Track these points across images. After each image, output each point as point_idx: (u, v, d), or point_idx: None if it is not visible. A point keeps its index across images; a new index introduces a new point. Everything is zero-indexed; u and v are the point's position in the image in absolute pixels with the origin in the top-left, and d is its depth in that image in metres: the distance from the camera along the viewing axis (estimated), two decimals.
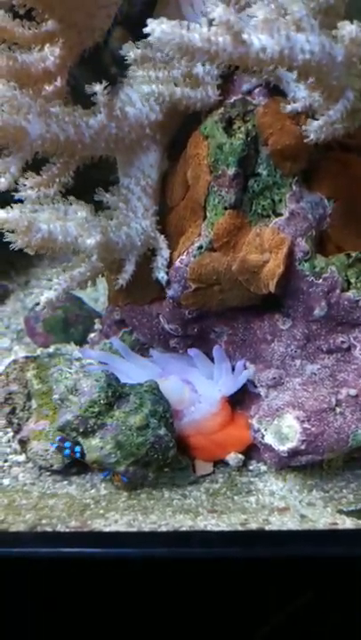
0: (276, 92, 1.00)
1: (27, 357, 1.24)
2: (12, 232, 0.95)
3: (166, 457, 1.05)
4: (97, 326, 1.26)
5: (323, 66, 0.79)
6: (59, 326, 1.37)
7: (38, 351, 1.37)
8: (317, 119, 0.86)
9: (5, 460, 1.16)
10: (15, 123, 0.94)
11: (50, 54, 0.99)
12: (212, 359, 1.14)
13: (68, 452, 1.05)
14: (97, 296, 1.50)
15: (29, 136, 0.95)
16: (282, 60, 0.76)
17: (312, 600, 0.91)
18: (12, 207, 0.95)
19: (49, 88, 1.02)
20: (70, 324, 1.38)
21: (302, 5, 0.76)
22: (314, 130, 0.86)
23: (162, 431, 1.04)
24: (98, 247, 0.93)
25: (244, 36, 0.74)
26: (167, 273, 1.05)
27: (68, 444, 1.04)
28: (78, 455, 1.04)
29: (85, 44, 1.01)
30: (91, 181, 1.06)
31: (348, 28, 0.77)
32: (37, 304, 1.39)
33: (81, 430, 1.03)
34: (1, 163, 0.97)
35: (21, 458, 1.16)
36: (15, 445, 1.17)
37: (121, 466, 1.03)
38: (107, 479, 1.09)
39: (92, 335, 1.27)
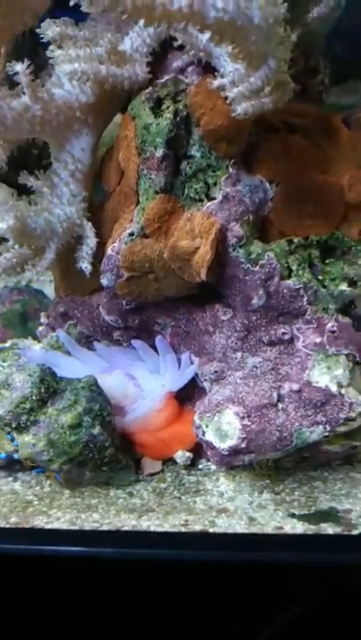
0: (210, 70, 0.95)
1: None
2: None
3: (103, 456, 1.02)
4: (42, 320, 1.23)
5: (238, 27, 0.73)
6: (17, 320, 1.34)
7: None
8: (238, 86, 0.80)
9: None
10: None
11: None
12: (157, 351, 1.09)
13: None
14: None
15: None
16: (192, 15, 0.71)
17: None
18: None
19: None
20: (29, 318, 1.35)
21: None
22: (235, 96, 0.81)
23: (96, 430, 1.00)
24: (11, 232, 0.90)
25: None
26: (93, 263, 1.01)
27: (9, 437, 1.02)
28: (16, 445, 1.02)
29: (16, 28, 0.98)
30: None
31: None
32: None
33: (14, 426, 1.00)
34: None
35: None
36: None
37: (54, 464, 1.00)
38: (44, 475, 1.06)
39: (40, 329, 1.24)
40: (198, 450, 1.09)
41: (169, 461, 1.10)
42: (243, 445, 0.95)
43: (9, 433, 1.02)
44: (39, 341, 1.35)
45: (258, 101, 0.84)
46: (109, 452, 1.02)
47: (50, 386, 1.01)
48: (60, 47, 0.91)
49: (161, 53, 0.97)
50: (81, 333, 1.14)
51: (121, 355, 1.12)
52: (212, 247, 0.91)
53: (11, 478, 1.10)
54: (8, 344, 1.34)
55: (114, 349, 1.13)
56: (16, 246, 0.94)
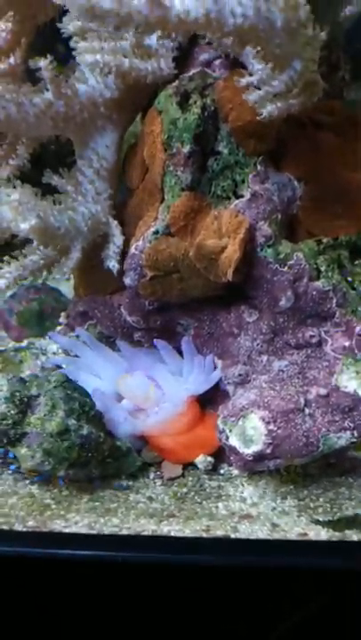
0: (238, 64, 0.92)
1: None
2: None
3: (102, 452, 1.00)
4: (61, 320, 1.20)
5: (260, 32, 0.71)
6: (33, 319, 1.32)
7: (10, 345, 1.32)
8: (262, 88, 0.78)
9: None
10: None
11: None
12: (180, 353, 1.07)
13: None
14: None
15: None
16: (209, 24, 0.69)
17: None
18: None
19: (2, 66, 0.96)
20: (46, 317, 1.33)
21: None
22: (255, 100, 0.79)
23: (85, 431, 0.98)
24: (34, 232, 0.87)
25: None
26: (120, 262, 0.98)
27: (2, 451, 1.00)
28: (12, 456, 1.00)
29: (38, 18, 0.96)
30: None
31: None
32: (12, 295, 1.37)
33: (5, 441, 0.99)
34: None
35: None
36: None
37: (59, 471, 0.98)
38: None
39: (58, 328, 1.22)
40: (220, 454, 1.06)
41: (189, 465, 1.08)
42: (268, 451, 0.93)
43: (2, 447, 1.01)
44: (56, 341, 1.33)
45: (284, 103, 0.82)
46: (107, 446, 1.00)
47: (22, 395, 0.99)
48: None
49: (188, 46, 0.95)
50: (100, 334, 1.12)
51: (143, 356, 1.09)
52: (240, 247, 0.89)
53: (27, 481, 1.08)
54: (25, 343, 1.32)
55: (136, 350, 1.11)
56: (41, 247, 0.91)
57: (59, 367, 1.15)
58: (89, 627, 0.93)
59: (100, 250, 1.00)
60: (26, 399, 0.99)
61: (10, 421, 0.97)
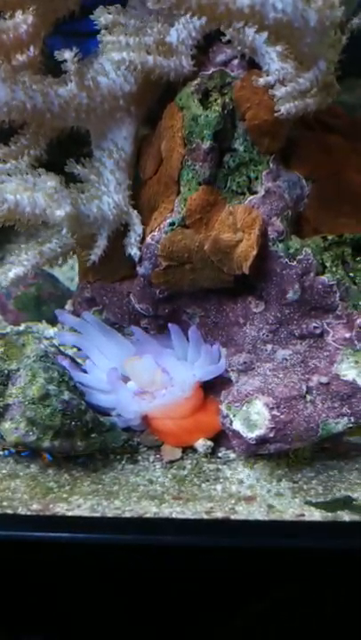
0: (253, 65, 0.96)
1: None
2: None
3: (85, 421, 1.01)
4: (68, 307, 1.22)
5: (295, 29, 0.75)
6: (31, 304, 1.34)
7: (8, 329, 1.33)
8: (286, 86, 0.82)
9: None
10: None
11: (22, 22, 0.95)
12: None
13: None
14: (73, 275, 1.46)
15: None
16: (253, 15, 0.73)
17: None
18: None
19: (21, 58, 0.97)
20: (43, 302, 1.34)
21: None
22: (282, 95, 0.83)
23: (66, 396, 1.00)
24: (68, 219, 0.89)
25: None
26: (140, 249, 1.01)
27: None
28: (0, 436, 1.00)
29: (59, 12, 0.97)
30: (71, 156, 1.03)
31: None
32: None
33: None
34: None
35: None
36: None
37: (44, 442, 0.99)
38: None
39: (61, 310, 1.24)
40: (218, 438, 1.11)
41: (188, 449, 1.12)
42: (271, 435, 0.98)
43: None
44: (53, 325, 1.35)
45: (302, 102, 0.86)
46: (90, 416, 1.02)
47: (2, 369, 1.01)
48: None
49: (204, 45, 0.98)
50: (107, 320, 1.15)
51: (153, 341, 1.13)
52: (256, 242, 0.93)
53: (28, 463, 1.09)
54: (22, 327, 1.34)
55: (148, 336, 1.14)
56: (65, 234, 0.93)
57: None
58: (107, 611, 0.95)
59: (111, 238, 1.03)
60: (5, 372, 1.01)
61: None
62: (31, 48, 0.98)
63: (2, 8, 0.93)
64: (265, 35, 0.82)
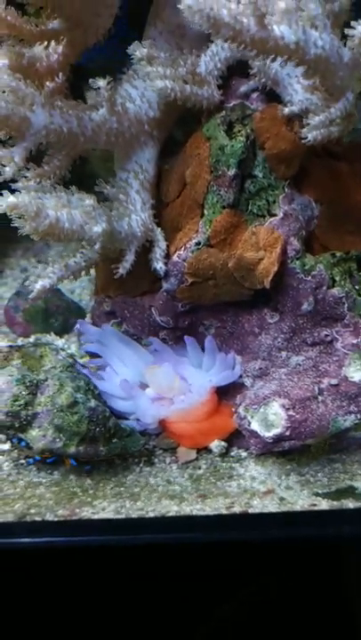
0: (272, 96, 1.06)
1: (10, 347, 1.24)
2: (20, 217, 0.96)
3: (109, 427, 1.07)
4: (87, 319, 1.27)
5: (331, 64, 0.83)
6: (39, 316, 1.37)
7: (19, 341, 1.37)
8: (318, 115, 0.90)
9: None
10: (20, 113, 0.95)
11: (54, 51, 1.00)
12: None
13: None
14: (72, 287, 1.51)
15: (33, 126, 0.97)
16: (296, 51, 0.80)
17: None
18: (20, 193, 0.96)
19: (50, 84, 1.02)
20: (51, 314, 1.39)
21: (318, 4, 0.81)
22: (315, 125, 0.91)
23: (92, 403, 1.06)
24: (104, 235, 0.96)
25: (267, 21, 0.78)
26: (145, 267, 1.08)
27: (14, 440, 1.06)
28: (24, 445, 1.05)
29: (89, 43, 1.03)
30: (83, 175, 1.08)
31: (359, 28, 0.82)
32: (17, 293, 1.41)
33: (17, 425, 1.04)
34: (6, 152, 0.97)
35: (6, 446, 1.16)
36: None
37: (70, 448, 1.04)
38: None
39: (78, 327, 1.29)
40: (230, 439, 1.19)
41: (201, 450, 1.18)
42: (287, 433, 1.07)
43: (13, 437, 1.06)
44: (60, 336, 1.40)
45: (327, 130, 0.95)
46: (113, 422, 1.08)
47: (31, 379, 1.05)
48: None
49: (225, 77, 1.07)
50: (126, 332, 1.21)
51: (171, 351, 1.19)
52: (278, 260, 1.03)
53: (50, 470, 1.13)
54: (32, 339, 1.37)
55: (166, 346, 1.20)
56: (97, 249, 0.99)
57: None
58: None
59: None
60: (35, 382, 1.05)
61: (22, 402, 1.03)
62: (60, 75, 1.03)
63: (39, 39, 0.98)
64: (288, 67, 0.91)
